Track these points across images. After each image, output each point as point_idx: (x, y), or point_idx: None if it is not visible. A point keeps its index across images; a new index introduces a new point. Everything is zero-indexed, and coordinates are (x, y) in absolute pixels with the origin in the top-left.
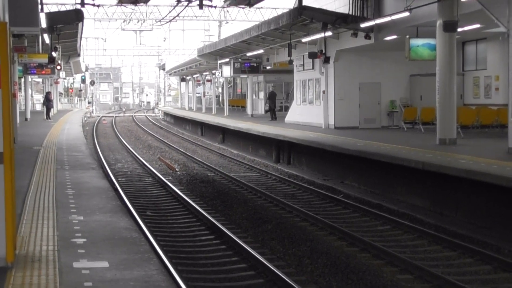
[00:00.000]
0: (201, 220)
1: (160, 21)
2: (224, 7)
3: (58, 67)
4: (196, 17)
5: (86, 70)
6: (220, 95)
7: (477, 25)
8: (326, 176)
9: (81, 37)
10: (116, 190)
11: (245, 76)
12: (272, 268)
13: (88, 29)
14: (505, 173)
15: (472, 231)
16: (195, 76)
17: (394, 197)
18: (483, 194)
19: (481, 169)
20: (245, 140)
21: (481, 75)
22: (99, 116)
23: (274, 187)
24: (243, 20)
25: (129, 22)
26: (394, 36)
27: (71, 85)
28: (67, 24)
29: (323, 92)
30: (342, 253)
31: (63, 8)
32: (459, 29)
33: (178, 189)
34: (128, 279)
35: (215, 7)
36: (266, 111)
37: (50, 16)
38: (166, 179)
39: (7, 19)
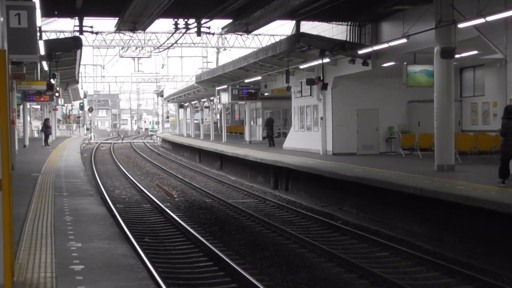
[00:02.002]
0: (199, 246)
1: (158, 48)
2: (222, 34)
3: (57, 94)
4: (194, 44)
5: (85, 97)
6: (218, 122)
7: (475, 52)
8: (324, 202)
9: (79, 64)
10: (114, 216)
11: (243, 102)
12: None
13: (87, 56)
14: (504, 199)
15: (471, 257)
16: (193, 102)
17: (392, 224)
18: (481, 221)
19: (479, 195)
20: (243, 166)
21: (479, 102)
22: (97, 142)
23: (272, 214)
24: (241, 47)
25: (127, 49)
26: (392, 63)
27: (69, 112)
28: (66, 51)
29: (321, 118)
30: (340, 279)
31: (61, 36)
32: (456, 56)
33: (176, 215)
34: None
35: (213, 34)
36: (264, 138)
37: (49, 43)
38: (164, 206)
39: (6, 47)
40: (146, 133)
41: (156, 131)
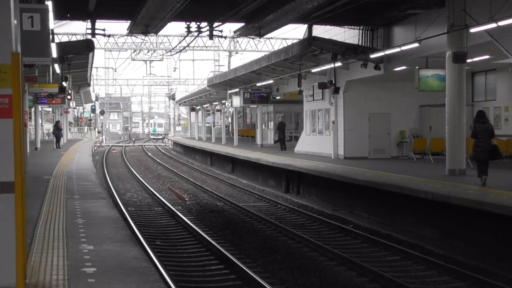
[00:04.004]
0: (211, 250)
1: (170, 51)
2: (234, 38)
3: (69, 97)
4: (206, 47)
5: (96, 99)
6: (230, 125)
7: (487, 56)
8: (335, 206)
9: (91, 67)
10: (125, 219)
11: (255, 106)
12: None
13: (99, 59)
14: None
15: (482, 262)
16: (205, 106)
17: (403, 228)
18: (493, 225)
19: (490, 200)
20: (254, 170)
21: (491, 106)
22: (108, 145)
23: (283, 217)
24: (253, 51)
25: (139, 52)
26: (404, 67)
27: (81, 115)
28: (78, 54)
29: (333, 122)
30: (351, 283)
31: (74, 39)
32: (468, 60)
33: (188, 218)
34: None
35: (225, 37)
36: (275, 141)
37: (61, 46)
38: (176, 209)
39: (19, 50)
40: (138, 137)
41: (158, 134)
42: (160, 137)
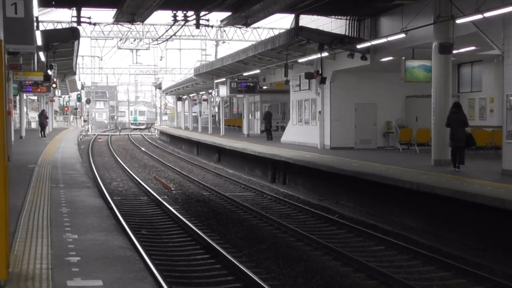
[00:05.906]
0: (196, 239)
1: (156, 40)
2: (221, 27)
3: (54, 85)
4: (193, 36)
5: (82, 88)
6: (216, 115)
7: (473, 48)
8: (321, 196)
9: (77, 55)
10: (111, 209)
11: (242, 95)
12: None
13: (84, 47)
14: (499, 194)
15: (466, 252)
16: (191, 95)
17: (388, 218)
18: (477, 216)
19: (475, 190)
20: (241, 159)
21: (476, 97)
22: (94, 134)
23: (269, 207)
24: (240, 40)
25: (125, 40)
26: (390, 58)
27: (66, 103)
28: (63, 42)
29: (319, 112)
30: (336, 273)
31: (59, 26)
32: (454, 51)
33: (174, 208)
34: None
35: (212, 26)
36: (262, 131)
37: (46, 34)
38: (162, 198)
39: (2, 37)
40: (124, 126)
41: (140, 124)
42: (143, 127)
